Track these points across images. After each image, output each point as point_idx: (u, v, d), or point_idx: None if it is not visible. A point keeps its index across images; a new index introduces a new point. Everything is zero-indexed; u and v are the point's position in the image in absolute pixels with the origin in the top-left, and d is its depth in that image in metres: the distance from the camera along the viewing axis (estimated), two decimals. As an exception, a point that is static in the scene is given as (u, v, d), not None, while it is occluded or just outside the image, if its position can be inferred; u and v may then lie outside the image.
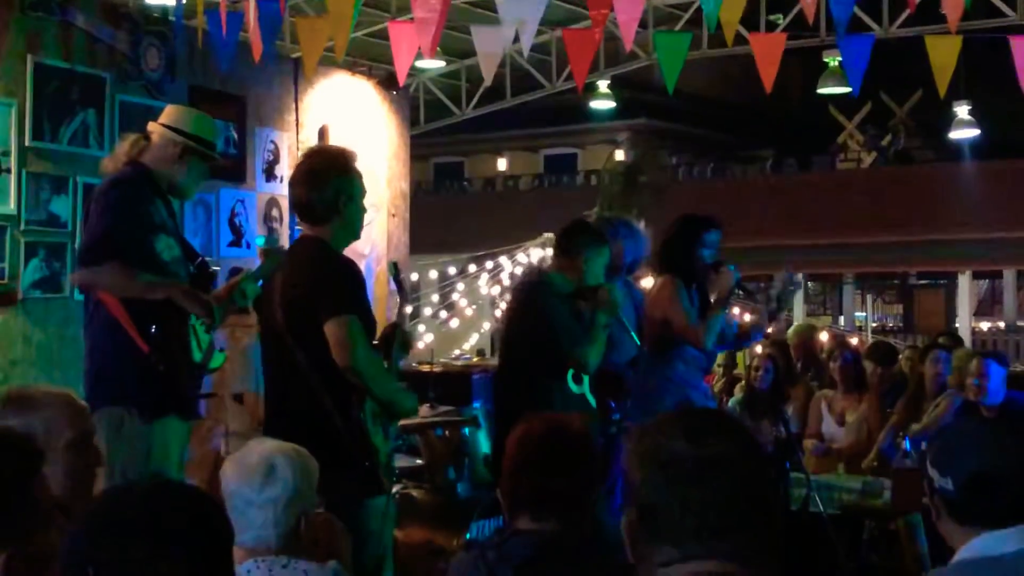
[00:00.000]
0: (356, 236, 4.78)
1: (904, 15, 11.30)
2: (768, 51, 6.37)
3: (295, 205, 4.64)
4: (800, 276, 6.10)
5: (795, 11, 11.51)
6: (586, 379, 5.65)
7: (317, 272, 4.43)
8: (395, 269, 5.18)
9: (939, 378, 7.22)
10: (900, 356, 8.47)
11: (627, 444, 2.06)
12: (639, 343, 6.09)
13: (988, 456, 2.65)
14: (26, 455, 2.53)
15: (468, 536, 6.00)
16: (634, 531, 2.00)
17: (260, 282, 4.81)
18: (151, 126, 5.09)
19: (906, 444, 6.81)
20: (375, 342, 4.70)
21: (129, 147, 5.02)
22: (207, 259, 5.27)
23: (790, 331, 9.99)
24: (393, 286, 5.28)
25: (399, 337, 4.78)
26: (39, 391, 3.23)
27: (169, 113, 5.13)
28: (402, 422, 6.92)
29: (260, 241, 4.75)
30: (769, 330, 7.40)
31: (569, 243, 5.83)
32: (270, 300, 4.58)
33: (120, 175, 4.91)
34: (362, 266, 10.45)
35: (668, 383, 6.03)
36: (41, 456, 2.54)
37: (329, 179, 4.53)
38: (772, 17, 12.44)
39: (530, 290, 5.88)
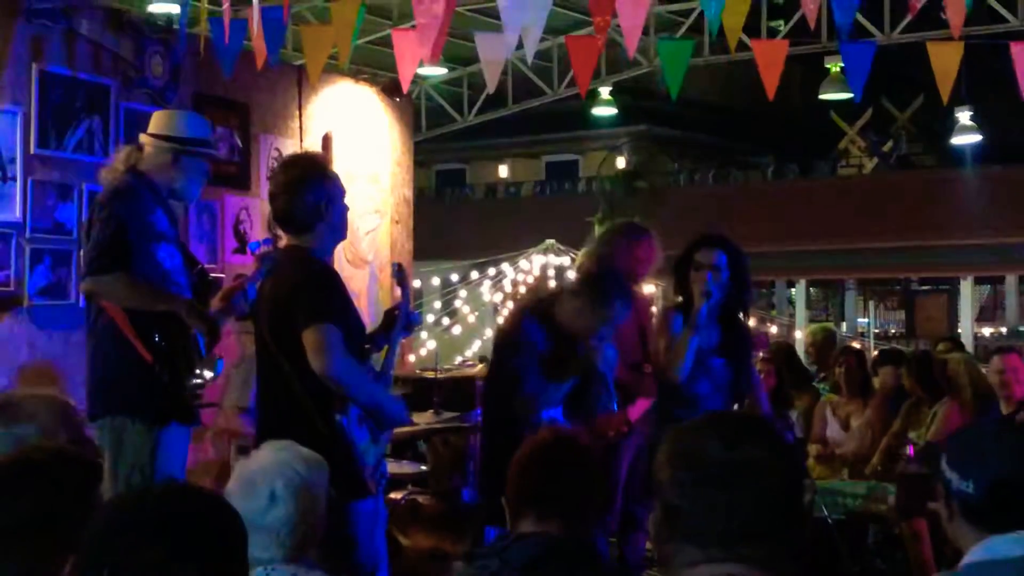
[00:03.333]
0: (343, 236, 4.81)
1: (905, 21, 11.32)
2: (770, 57, 6.38)
3: (278, 216, 4.65)
4: None
5: (796, 17, 11.54)
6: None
7: (296, 281, 4.46)
8: (399, 271, 5.18)
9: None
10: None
11: (661, 444, 2.08)
12: (647, 353, 6.12)
13: (1012, 461, 2.65)
14: (88, 468, 2.57)
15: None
16: (659, 529, 2.01)
17: (253, 287, 4.84)
18: (142, 137, 5.14)
19: (909, 449, 6.84)
20: (375, 330, 4.75)
21: (125, 158, 5.08)
22: (206, 267, 5.31)
23: (805, 332, 9.92)
24: (397, 290, 5.29)
25: (401, 318, 4.80)
26: (24, 396, 3.24)
27: (155, 121, 5.18)
28: (408, 429, 6.95)
29: (254, 247, 4.80)
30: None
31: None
32: (259, 309, 4.61)
33: (122, 184, 4.95)
34: (365, 273, 10.49)
35: (663, 425, 5.67)
36: (101, 469, 2.58)
37: (309, 186, 4.54)
38: (773, 23, 12.46)
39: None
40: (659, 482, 2.00)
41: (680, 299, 5.92)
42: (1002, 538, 2.61)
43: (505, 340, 5.72)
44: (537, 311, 5.56)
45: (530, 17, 6.21)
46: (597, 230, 13.79)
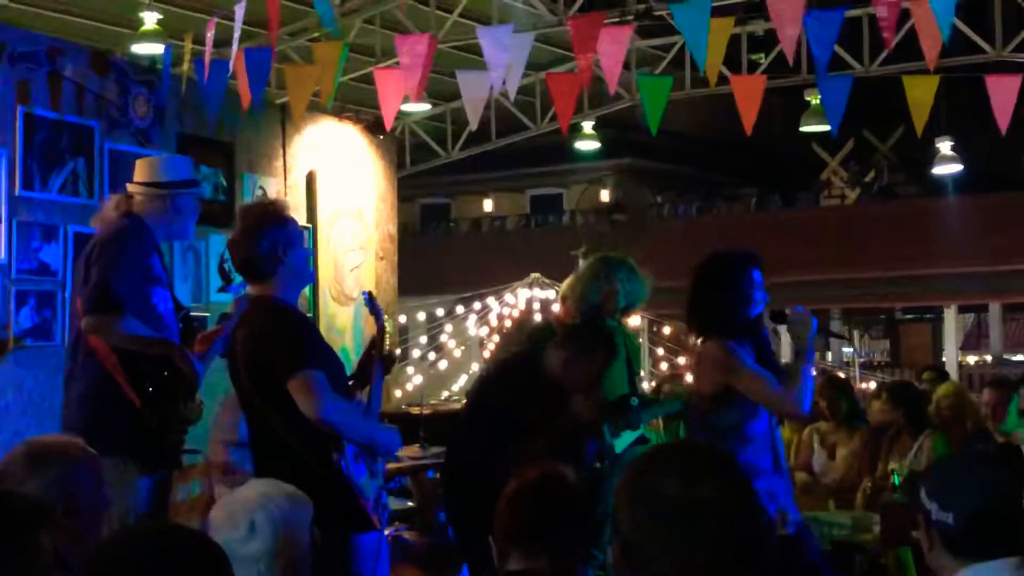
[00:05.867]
0: (307, 280, 4.83)
1: (884, 54, 11.44)
2: (749, 92, 6.44)
3: (238, 266, 4.65)
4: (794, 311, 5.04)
5: (777, 50, 11.64)
6: None
7: (270, 333, 4.45)
8: (369, 298, 5.23)
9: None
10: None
11: (619, 479, 2.10)
12: (634, 386, 6.12)
13: (990, 492, 2.71)
14: (32, 509, 2.58)
15: (460, 578, 6.01)
16: (619, 565, 2.03)
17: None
18: (131, 187, 5.18)
19: (895, 479, 6.87)
20: (354, 370, 4.79)
21: (115, 205, 5.13)
22: (191, 312, 5.37)
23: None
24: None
25: (379, 345, 4.84)
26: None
27: (142, 170, 5.23)
28: (393, 464, 6.97)
29: (234, 290, 4.92)
30: None
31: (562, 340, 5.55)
32: (235, 362, 4.62)
33: (123, 226, 5.01)
34: (350, 310, 10.51)
35: None
36: (44, 512, 2.59)
37: (264, 232, 4.53)
38: (754, 56, 12.58)
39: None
40: (618, 520, 2.03)
41: (719, 326, 5.07)
42: (982, 567, 2.66)
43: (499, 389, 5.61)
44: (527, 361, 5.51)
45: (512, 56, 6.27)
46: (581, 264, 13.84)
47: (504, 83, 6.37)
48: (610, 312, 6.48)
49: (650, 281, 6.56)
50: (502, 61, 6.19)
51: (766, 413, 5.03)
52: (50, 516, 2.60)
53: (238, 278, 4.94)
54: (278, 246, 4.54)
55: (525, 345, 5.84)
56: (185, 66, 8.11)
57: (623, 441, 5.92)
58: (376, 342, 4.98)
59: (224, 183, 9.11)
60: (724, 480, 2.01)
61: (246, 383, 4.53)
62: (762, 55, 12.68)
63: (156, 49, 9.61)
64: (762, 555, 2.04)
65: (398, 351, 12.04)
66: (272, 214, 4.65)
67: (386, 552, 4.69)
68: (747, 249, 5.25)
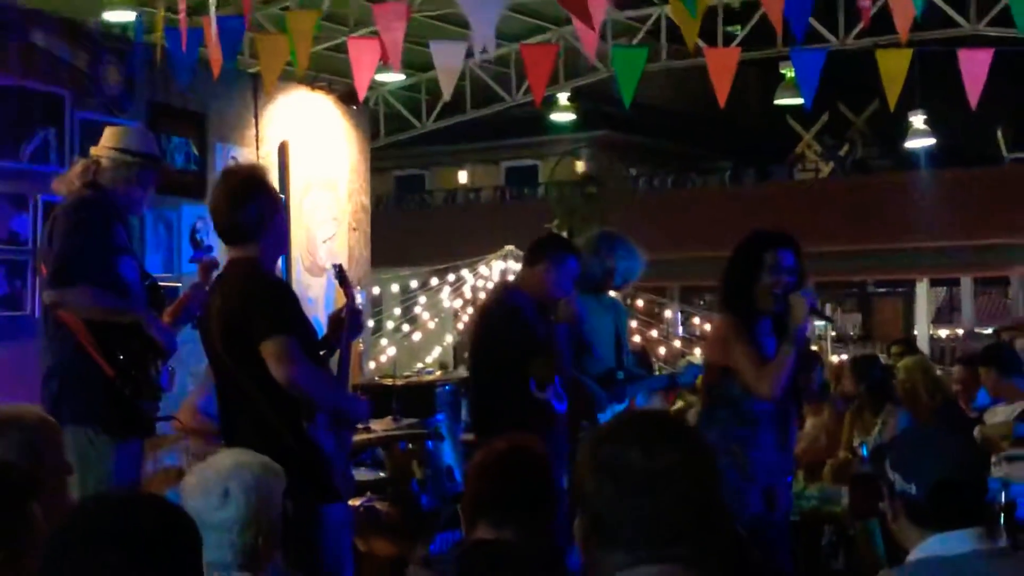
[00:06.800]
0: (285, 247, 4.83)
1: (859, 27, 11.44)
2: (722, 65, 6.45)
3: (221, 229, 4.62)
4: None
5: (752, 22, 11.64)
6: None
7: (248, 295, 4.44)
8: (339, 271, 5.18)
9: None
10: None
11: (580, 453, 2.11)
12: (621, 360, 6.19)
13: (952, 464, 2.76)
14: (25, 480, 2.59)
15: (432, 548, 6.03)
16: (587, 537, 2.05)
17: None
18: (96, 151, 5.16)
19: (863, 451, 6.91)
20: (325, 334, 4.81)
21: (82, 171, 5.11)
22: (156, 280, 5.37)
23: None
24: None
25: (348, 320, 4.83)
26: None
27: (113, 135, 5.22)
28: (366, 436, 6.99)
29: (199, 256, 5.00)
30: None
31: (530, 254, 5.88)
32: (209, 325, 4.61)
33: (84, 198, 5.00)
34: (323, 281, 10.49)
35: (724, 444, 4.85)
36: (36, 482, 2.60)
37: (251, 197, 4.53)
38: (730, 28, 12.55)
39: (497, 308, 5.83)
40: (583, 493, 2.04)
41: (728, 305, 5.10)
42: (944, 536, 2.72)
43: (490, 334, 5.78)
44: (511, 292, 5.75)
45: (491, 13, 6.22)
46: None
47: (472, 50, 6.33)
48: (606, 288, 6.52)
49: (645, 258, 6.59)
50: (482, 19, 6.15)
51: None
52: (41, 487, 2.62)
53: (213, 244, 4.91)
54: (264, 211, 4.54)
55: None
56: (157, 34, 8.06)
57: (609, 415, 5.98)
58: (344, 312, 4.95)
59: (196, 153, 9.06)
60: (684, 447, 2.03)
61: (218, 347, 4.52)
62: (739, 27, 12.64)
63: (127, 17, 9.54)
64: (725, 520, 2.07)
65: (371, 322, 12.04)
66: (259, 179, 4.66)
67: (349, 523, 4.72)
68: (778, 231, 5.20)
